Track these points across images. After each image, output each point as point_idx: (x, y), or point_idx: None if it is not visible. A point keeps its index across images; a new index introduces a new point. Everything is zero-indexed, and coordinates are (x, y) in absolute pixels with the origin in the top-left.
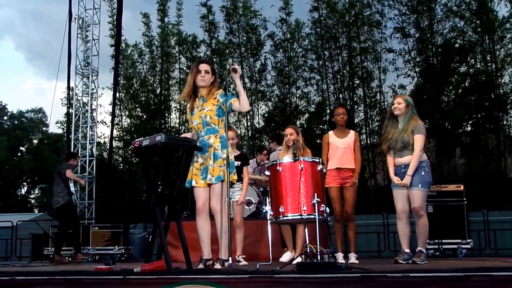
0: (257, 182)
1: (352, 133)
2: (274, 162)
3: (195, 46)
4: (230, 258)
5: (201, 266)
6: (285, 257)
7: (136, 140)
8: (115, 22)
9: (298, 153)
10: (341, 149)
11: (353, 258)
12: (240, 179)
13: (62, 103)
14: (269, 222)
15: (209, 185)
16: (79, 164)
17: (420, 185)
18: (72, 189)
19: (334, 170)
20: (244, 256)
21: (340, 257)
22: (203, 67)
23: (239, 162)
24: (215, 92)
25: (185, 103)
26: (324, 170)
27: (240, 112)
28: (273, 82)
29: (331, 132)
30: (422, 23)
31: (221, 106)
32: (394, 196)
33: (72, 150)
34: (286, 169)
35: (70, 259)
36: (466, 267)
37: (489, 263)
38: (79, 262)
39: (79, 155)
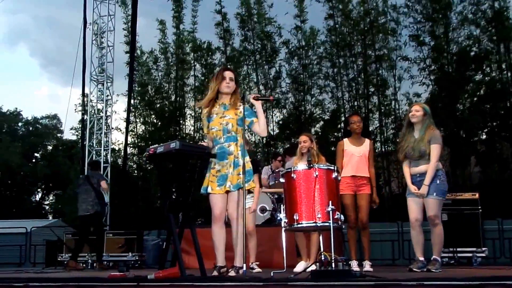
0: (271, 188)
1: (367, 141)
2: (289, 170)
3: (210, 53)
4: (244, 265)
5: (215, 273)
6: (299, 266)
7: (150, 147)
8: (130, 29)
9: (313, 161)
10: (357, 157)
11: (367, 266)
12: None
13: (76, 110)
14: (283, 229)
15: (227, 192)
16: None
17: (435, 194)
18: (106, 199)
19: (349, 178)
20: (258, 263)
21: (354, 265)
22: (229, 74)
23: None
24: (238, 102)
25: (200, 109)
26: (339, 178)
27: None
28: (288, 89)
29: (346, 140)
30: (437, 31)
31: (242, 118)
32: (408, 205)
33: (86, 156)
34: (301, 176)
35: (84, 265)
36: (481, 275)
37: (504, 271)
38: (99, 270)
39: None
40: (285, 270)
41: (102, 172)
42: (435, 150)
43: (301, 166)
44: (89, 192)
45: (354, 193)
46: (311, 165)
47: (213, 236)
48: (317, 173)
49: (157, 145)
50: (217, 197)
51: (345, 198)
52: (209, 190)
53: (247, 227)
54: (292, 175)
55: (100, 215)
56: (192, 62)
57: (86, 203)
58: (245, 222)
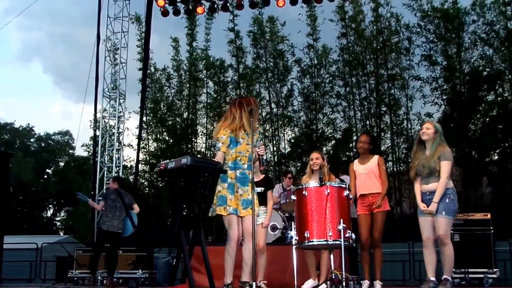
0: (282, 207)
1: (375, 157)
2: (300, 187)
3: (222, 70)
4: (254, 283)
5: None
6: (307, 285)
7: (161, 162)
8: (143, 46)
9: (324, 178)
10: (363, 175)
11: (378, 286)
12: (264, 203)
13: (90, 126)
14: (294, 247)
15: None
16: (104, 187)
17: (444, 213)
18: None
19: (360, 198)
20: (265, 282)
21: (365, 285)
22: (256, 103)
23: (263, 188)
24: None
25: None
26: (351, 196)
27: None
28: (300, 107)
29: (356, 161)
30: (449, 50)
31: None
32: (420, 223)
33: (98, 173)
34: (312, 194)
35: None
36: None
37: None
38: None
39: (106, 177)
40: None
41: None
42: (445, 167)
43: (313, 183)
44: (122, 210)
45: (370, 212)
46: (323, 183)
47: (230, 254)
48: (328, 191)
49: (168, 160)
50: (242, 219)
51: (360, 219)
52: (239, 213)
53: (258, 244)
54: (304, 192)
55: (121, 236)
56: (205, 79)
57: (118, 221)
58: (256, 239)
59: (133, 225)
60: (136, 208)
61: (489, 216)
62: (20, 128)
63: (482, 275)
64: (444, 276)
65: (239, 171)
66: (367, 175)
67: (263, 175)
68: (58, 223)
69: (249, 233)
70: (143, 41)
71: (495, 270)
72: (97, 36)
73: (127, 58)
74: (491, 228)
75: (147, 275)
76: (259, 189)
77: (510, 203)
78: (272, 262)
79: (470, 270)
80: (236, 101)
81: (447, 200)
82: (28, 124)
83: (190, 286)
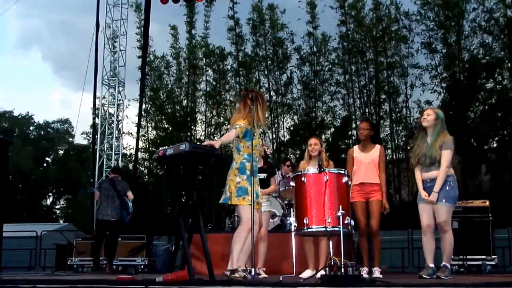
0: (281, 194)
1: (377, 147)
2: (299, 173)
3: (222, 58)
4: (253, 269)
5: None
6: (305, 274)
7: (160, 148)
8: (142, 33)
9: (323, 165)
10: (365, 163)
11: (377, 273)
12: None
13: (93, 115)
14: (293, 233)
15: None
16: (103, 175)
17: (444, 200)
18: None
19: (358, 185)
20: (264, 269)
21: (364, 272)
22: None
23: (265, 175)
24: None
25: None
26: (350, 183)
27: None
28: (299, 95)
29: (356, 147)
30: (449, 38)
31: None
32: (419, 210)
33: (97, 161)
34: (311, 180)
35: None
36: (490, 282)
37: None
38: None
39: (105, 165)
40: (294, 275)
41: None
42: (446, 156)
43: (312, 170)
44: (114, 198)
45: (366, 200)
46: (322, 169)
47: (241, 241)
48: (327, 177)
49: (166, 147)
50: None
51: (356, 206)
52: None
53: (260, 231)
54: (303, 178)
55: (120, 223)
56: (204, 67)
57: (112, 209)
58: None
59: (127, 212)
60: (130, 195)
61: (487, 203)
62: (20, 116)
63: (480, 262)
64: (443, 263)
65: (254, 164)
66: (369, 164)
67: (266, 163)
68: (58, 211)
69: (256, 221)
70: (142, 28)
71: (493, 257)
72: (96, 24)
73: (126, 45)
74: (490, 215)
75: (146, 263)
76: (262, 175)
77: (508, 191)
78: (271, 249)
79: (468, 257)
80: (252, 94)
81: (447, 188)
82: (28, 112)
83: (189, 273)
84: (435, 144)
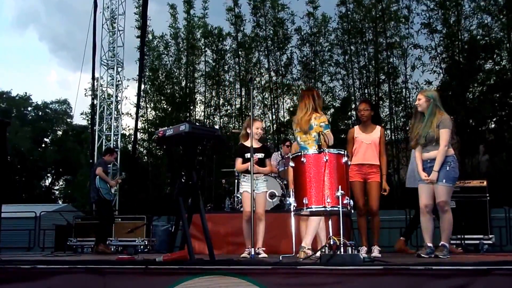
0: (281, 174)
1: (378, 129)
2: (299, 153)
3: (220, 39)
4: (252, 249)
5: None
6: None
7: (160, 129)
8: (141, 13)
9: (322, 145)
10: (366, 144)
11: (376, 252)
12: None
13: (86, 94)
14: (292, 213)
15: None
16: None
17: (444, 180)
18: (98, 184)
19: (357, 166)
20: (264, 248)
21: (363, 251)
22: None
23: (263, 154)
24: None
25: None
26: (349, 163)
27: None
28: (299, 76)
29: (356, 127)
30: (449, 19)
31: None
32: (419, 190)
33: (96, 141)
34: (311, 161)
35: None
36: (488, 261)
37: (510, 258)
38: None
39: (104, 146)
40: (293, 254)
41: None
42: (443, 134)
43: (312, 150)
44: (91, 181)
45: (364, 181)
46: (321, 150)
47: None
48: (327, 158)
49: (166, 127)
50: None
51: (354, 185)
52: None
53: (257, 211)
54: (302, 159)
55: (102, 202)
56: (203, 47)
57: (92, 191)
58: (252, 207)
59: (94, 191)
60: (97, 171)
61: (485, 183)
62: (17, 97)
63: (477, 241)
64: (442, 243)
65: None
66: (369, 145)
67: (262, 143)
68: (57, 192)
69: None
70: (140, 8)
71: (490, 236)
72: (94, 3)
73: (125, 25)
74: (487, 195)
75: (146, 243)
76: (260, 155)
77: (506, 171)
78: (271, 229)
79: (466, 236)
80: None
81: (447, 168)
82: (25, 93)
83: (189, 253)
84: (432, 123)
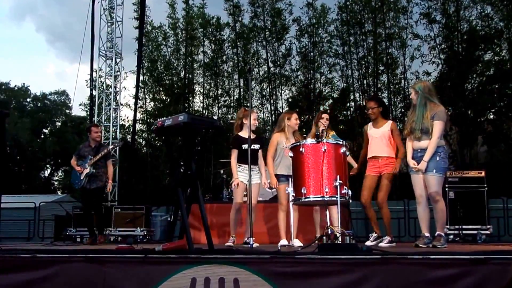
0: None
1: (388, 123)
2: (297, 143)
3: (219, 29)
4: (251, 239)
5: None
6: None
7: (158, 120)
8: (139, 3)
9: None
10: (375, 138)
11: (386, 241)
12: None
13: (86, 85)
14: (291, 203)
15: None
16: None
17: (434, 171)
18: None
19: (371, 159)
20: (253, 238)
21: (373, 237)
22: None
23: (258, 145)
24: None
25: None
26: (347, 153)
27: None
28: (298, 67)
29: (370, 123)
30: (448, 9)
31: None
32: (412, 181)
33: None
34: (309, 151)
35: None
36: (485, 250)
37: (507, 247)
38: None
39: (103, 137)
40: (292, 243)
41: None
42: (437, 126)
43: (310, 140)
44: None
45: (379, 175)
46: (320, 140)
47: None
48: (325, 148)
49: (165, 118)
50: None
51: (366, 179)
52: None
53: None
54: (301, 149)
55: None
56: (201, 38)
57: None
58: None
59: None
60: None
61: (483, 174)
62: (16, 88)
63: (475, 232)
64: (438, 232)
65: None
66: (379, 138)
67: (256, 135)
68: (56, 183)
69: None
70: None
71: (488, 226)
72: None
73: (123, 16)
74: (485, 185)
75: (145, 233)
76: (256, 146)
77: (504, 162)
78: (270, 219)
79: (464, 226)
80: None
81: (437, 158)
82: (24, 84)
83: (188, 243)
84: (426, 115)
